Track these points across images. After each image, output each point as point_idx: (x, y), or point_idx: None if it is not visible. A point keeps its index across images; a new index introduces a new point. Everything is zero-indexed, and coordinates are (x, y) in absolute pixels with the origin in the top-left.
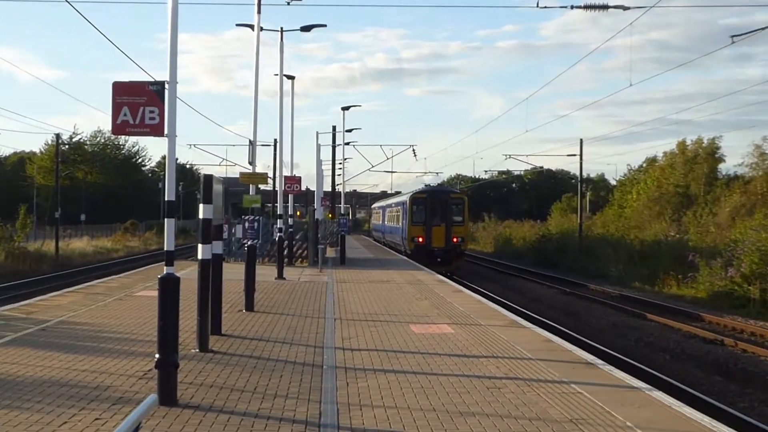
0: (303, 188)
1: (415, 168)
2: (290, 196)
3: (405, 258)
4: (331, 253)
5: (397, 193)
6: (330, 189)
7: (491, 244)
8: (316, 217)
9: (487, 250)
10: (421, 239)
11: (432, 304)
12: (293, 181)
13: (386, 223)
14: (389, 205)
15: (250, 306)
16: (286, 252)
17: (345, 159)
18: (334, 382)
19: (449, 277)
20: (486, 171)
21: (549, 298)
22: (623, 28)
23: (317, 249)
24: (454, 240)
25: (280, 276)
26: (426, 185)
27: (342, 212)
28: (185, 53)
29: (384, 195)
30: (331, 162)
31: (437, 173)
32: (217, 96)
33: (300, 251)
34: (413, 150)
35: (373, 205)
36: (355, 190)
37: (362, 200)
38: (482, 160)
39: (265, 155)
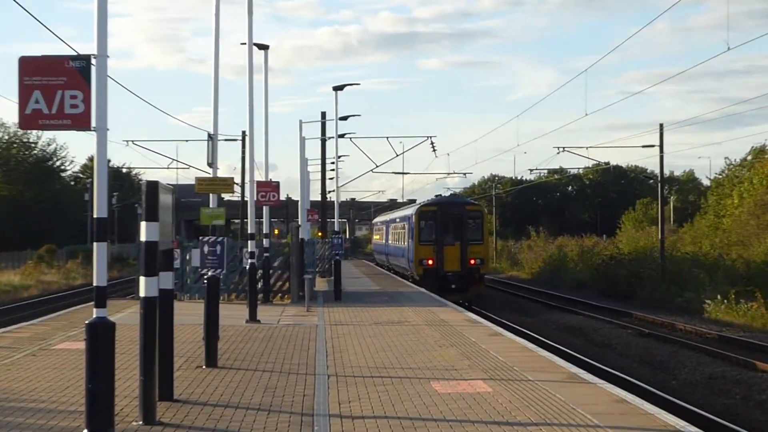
0: (282, 198)
1: (434, 167)
2: (265, 209)
3: (421, 290)
4: (321, 284)
5: (411, 202)
6: (319, 198)
7: (539, 268)
8: (300, 236)
9: (534, 276)
10: (430, 262)
11: (461, 353)
12: (269, 188)
13: (390, 242)
14: (392, 221)
15: (211, 360)
16: (260, 285)
17: (339, 157)
18: None
19: (467, 307)
20: (531, 170)
21: (621, 341)
22: None
23: (303, 280)
24: (471, 262)
25: (253, 318)
26: (436, 196)
27: (336, 229)
28: (120, 16)
29: (393, 205)
30: (320, 162)
31: (465, 174)
32: (165, 74)
33: (280, 284)
34: (432, 143)
35: (374, 220)
36: (353, 200)
37: (363, 213)
38: (526, 155)
39: (230, 154)
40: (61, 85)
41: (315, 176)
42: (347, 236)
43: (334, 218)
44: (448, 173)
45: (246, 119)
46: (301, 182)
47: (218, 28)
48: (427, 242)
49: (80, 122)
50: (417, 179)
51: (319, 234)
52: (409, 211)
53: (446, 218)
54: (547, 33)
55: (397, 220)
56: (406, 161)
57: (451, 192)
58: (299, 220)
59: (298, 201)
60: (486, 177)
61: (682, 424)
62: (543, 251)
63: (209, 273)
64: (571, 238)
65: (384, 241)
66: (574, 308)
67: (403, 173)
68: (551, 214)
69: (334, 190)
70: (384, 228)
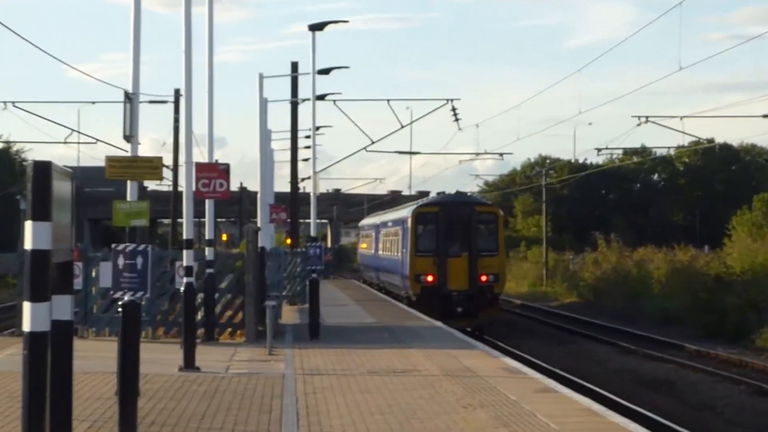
0: (234, 188)
1: (457, 145)
2: (209, 205)
3: (436, 324)
4: (291, 315)
5: (422, 195)
6: (288, 189)
7: (610, 289)
8: (260, 245)
9: (597, 302)
10: (430, 278)
11: (495, 417)
12: (214, 172)
13: (380, 252)
14: (383, 224)
15: (128, 426)
16: (201, 316)
17: (318, 129)
18: None
19: (478, 337)
20: (599, 150)
21: (730, 402)
22: None
23: (263, 309)
24: (483, 279)
25: (190, 364)
26: (439, 193)
27: (312, 234)
28: None
29: (396, 200)
30: (290, 136)
31: (501, 155)
32: (61, 5)
33: (229, 314)
34: (453, 110)
35: (362, 223)
36: (338, 191)
37: (353, 210)
38: (591, 127)
39: (158, 122)
40: None
41: (282, 156)
42: (329, 244)
43: (310, 219)
44: (477, 153)
45: (181, 72)
46: (262, 165)
47: None
48: (426, 253)
49: None
50: (432, 162)
51: (288, 241)
52: (404, 212)
53: (451, 222)
54: None
55: (389, 223)
56: (415, 136)
57: (479, 189)
58: (258, 220)
59: (256, 193)
60: (532, 159)
61: None
62: (618, 266)
63: (126, 297)
64: (656, 250)
65: (373, 251)
66: (660, 352)
67: (411, 153)
68: (628, 215)
69: (309, 178)
70: (373, 234)
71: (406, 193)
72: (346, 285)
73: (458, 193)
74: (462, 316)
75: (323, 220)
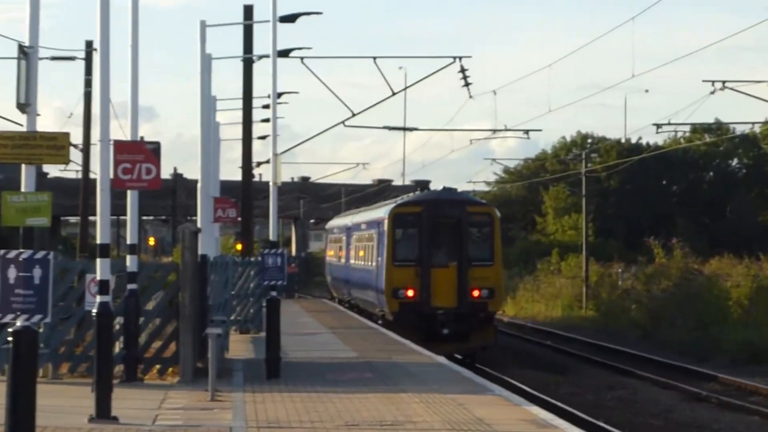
0: (166, 175)
1: (466, 118)
2: (131, 197)
3: (438, 359)
4: (242, 347)
5: (420, 186)
6: (239, 178)
7: (672, 315)
8: (201, 251)
9: (652, 332)
10: (411, 292)
11: None
12: (139, 154)
13: (351, 261)
14: (355, 227)
15: None
16: (119, 347)
17: (280, 96)
18: None
19: (469, 365)
20: (659, 126)
21: None
22: None
23: (204, 339)
24: (475, 294)
25: (105, 414)
26: (422, 190)
27: (272, 237)
28: None
29: (385, 190)
30: (242, 105)
31: (526, 132)
32: None
33: (158, 344)
34: (462, 70)
35: (329, 224)
36: (307, 180)
37: (327, 207)
38: (648, 95)
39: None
40: None
41: (232, 133)
42: (294, 251)
43: (269, 216)
44: (494, 130)
45: (95, 19)
46: (203, 145)
47: None
48: (405, 262)
49: None
50: (434, 142)
51: (239, 247)
52: (380, 212)
53: (436, 224)
54: None
55: (363, 226)
56: (412, 107)
57: (496, 180)
58: (198, 219)
59: (196, 182)
60: (568, 139)
61: None
62: (679, 285)
63: (18, 323)
64: (735, 261)
65: (343, 260)
66: (741, 400)
67: (405, 129)
68: (697, 213)
69: (268, 162)
70: (343, 238)
71: (398, 182)
72: (317, 306)
73: (446, 189)
74: (449, 340)
75: (287, 219)
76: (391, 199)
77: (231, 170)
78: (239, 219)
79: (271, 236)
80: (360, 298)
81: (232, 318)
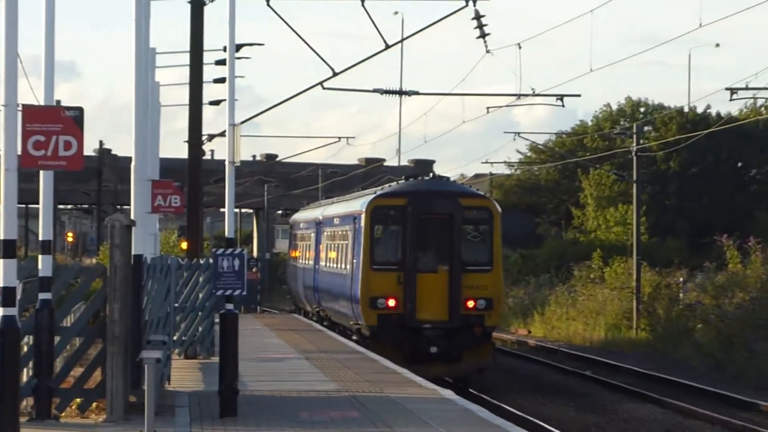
0: (89, 151)
1: (482, 80)
2: (44, 178)
3: (443, 393)
4: (189, 375)
5: (422, 166)
6: (185, 155)
7: (750, 336)
8: (136, 252)
9: (718, 352)
10: (392, 302)
11: None
12: (55, 123)
13: (321, 263)
14: (327, 221)
15: None
16: (29, 376)
17: (239, 48)
18: None
19: (462, 392)
20: (733, 92)
21: None
22: None
23: (138, 364)
24: (470, 305)
25: None
26: (406, 178)
27: (229, 233)
28: None
29: (373, 174)
30: (188, 60)
31: (559, 98)
32: None
33: (79, 371)
34: (477, 17)
35: (294, 218)
36: (273, 159)
37: (300, 191)
38: (718, 51)
39: None
40: None
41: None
42: (255, 251)
43: (225, 206)
44: (519, 95)
45: None
46: (137, 112)
47: None
48: (386, 266)
49: None
50: (438, 110)
51: (185, 245)
52: (356, 205)
53: (424, 221)
54: None
55: (335, 220)
56: (410, 64)
57: (520, 160)
58: (132, 208)
59: (129, 160)
60: (614, 107)
61: None
62: (760, 299)
63: None
64: None
65: (311, 263)
66: None
67: (401, 93)
68: None
69: (223, 134)
70: (311, 235)
71: (392, 162)
72: (285, 322)
73: (436, 178)
74: (438, 360)
75: (247, 210)
76: (371, 189)
77: (175, 146)
78: (185, 209)
79: (227, 232)
80: (331, 308)
81: (175, 338)
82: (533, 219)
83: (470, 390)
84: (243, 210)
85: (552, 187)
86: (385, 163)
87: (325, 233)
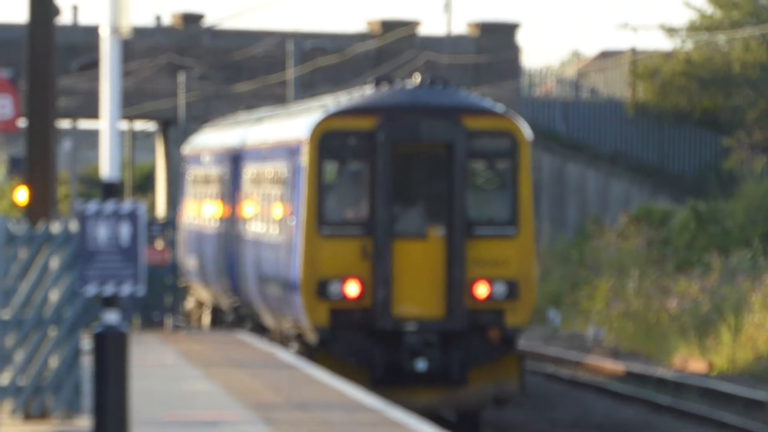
0: None
1: None
2: None
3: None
4: None
5: (497, 33)
6: (29, 18)
7: None
8: None
9: None
10: (353, 289)
11: None
12: None
13: (240, 227)
14: (251, 153)
15: None
16: None
17: None
18: None
19: None
20: None
21: None
22: None
23: None
24: (480, 291)
25: None
26: (377, 82)
27: (109, 176)
28: None
29: (393, 54)
30: None
31: None
32: None
33: None
34: None
35: (193, 145)
36: (196, 23)
37: (247, 91)
38: None
39: None
40: None
41: None
42: (160, 207)
43: (95, 117)
44: None
45: None
46: None
47: None
48: (343, 228)
49: None
50: None
51: (21, 197)
52: (294, 127)
53: (404, 155)
54: None
55: (263, 152)
56: None
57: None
58: None
59: None
60: None
61: None
62: None
63: None
64: None
65: (223, 224)
66: None
67: None
68: None
69: None
70: (223, 177)
71: (433, 29)
72: (222, 350)
73: (425, 84)
74: (429, 383)
75: (145, 125)
76: (323, 100)
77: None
78: (20, 123)
79: (106, 169)
80: (254, 301)
81: (5, 381)
82: (717, 139)
83: None
84: (138, 125)
85: (757, 79)
86: (421, 31)
87: (246, 175)
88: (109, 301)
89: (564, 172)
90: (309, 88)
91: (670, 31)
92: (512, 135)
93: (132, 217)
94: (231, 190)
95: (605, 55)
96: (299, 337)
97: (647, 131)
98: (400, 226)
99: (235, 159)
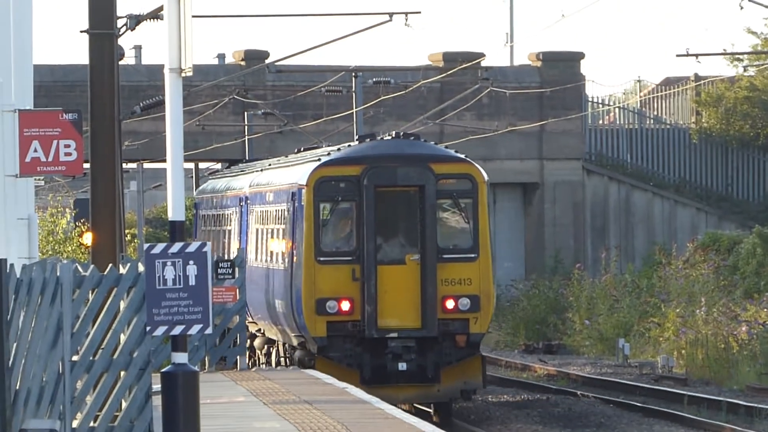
0: None
1: None
2: None
3: None
4: None
5: (568, 64)
6: (88, 55)
7: None
8: None
9: None
10: (345, 305)
11: None
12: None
13: (250, 257)
14: (256, 196)
15: None
16: None
17: None
18: None
19: (444, 422)
20: None
21: None
22: None
23: None
24: (449, 305)
25: None
26: (360, 139)
27: (176, 214)
28: None
29: (467, 81)
30: None
31: None
32: None
33: None
34: None
35: (203, 189)
36: (261, 60)
37: (309, 126)
38: None
39: None
40: None
41: None
42: (229, 247)
43: (162, 159)
44: None
45: None
46: None
47: None
48: (336, 257)
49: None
50: None
51: (88, 240)
52: (294, 175)
53: (385, 195)
54: None
55: (268, 195)
56: None
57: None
58: None
59: None
60: None
61: None
62: None
63: None
64: None
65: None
66: None
67: None
68: None
69: (159, 14)
70: (233, 217)
71: (496, 59)
72: (291, 387)
73: (401, 137)
74: (407, 379)
75: (211, 164)
76: (318, 151)
77: (64, 41)
78: (86, 166)
79: (172, 211)
80: (265, 319)
81: (76, 424)
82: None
83: (454, 420)
84: (205, 165)
85: None
86: (485, 62)
87: (254, 214)
88: (178, 341)
89: (630, 202)
90: (373, 123)
91: (733, 57)
92: (472, 177)
93: (198, 256)
94: (240, 228)
95: (668, 83)
96: (302, 346)
97: (712, 158)
98: (383, 254)
99: (242, 201)
